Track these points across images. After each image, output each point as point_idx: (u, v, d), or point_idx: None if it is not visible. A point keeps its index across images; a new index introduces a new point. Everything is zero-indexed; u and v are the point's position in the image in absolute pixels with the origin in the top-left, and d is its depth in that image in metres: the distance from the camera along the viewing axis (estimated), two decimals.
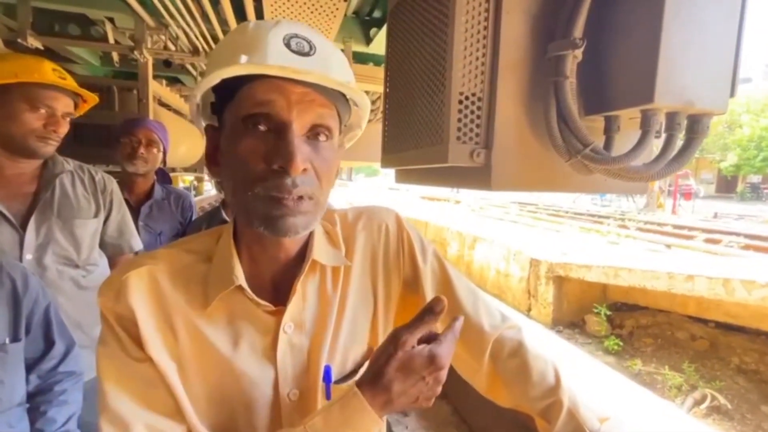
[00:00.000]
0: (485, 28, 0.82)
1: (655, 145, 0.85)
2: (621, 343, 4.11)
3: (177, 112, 3.00)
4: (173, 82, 3.41)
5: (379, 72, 2.64)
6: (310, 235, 0.55)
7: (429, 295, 0.61)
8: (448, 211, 12.17)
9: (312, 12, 1.39)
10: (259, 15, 1.53)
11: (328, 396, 0.52)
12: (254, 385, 0.50)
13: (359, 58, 2.46)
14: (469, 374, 0.66)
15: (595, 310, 4.50)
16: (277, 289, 0.53)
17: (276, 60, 0.44)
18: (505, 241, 5.79)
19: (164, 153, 1.75)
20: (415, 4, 1.07)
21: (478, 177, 0.87)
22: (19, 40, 1.76)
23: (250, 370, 0.50)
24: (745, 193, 23.03)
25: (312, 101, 0.46)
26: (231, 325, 0.51)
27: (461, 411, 1.23)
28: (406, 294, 0.63)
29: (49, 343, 0.93)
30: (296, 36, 0.46)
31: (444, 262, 0.65)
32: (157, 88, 2.38)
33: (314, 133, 0.47)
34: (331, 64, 0.47)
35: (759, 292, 3.03)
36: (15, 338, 0.83)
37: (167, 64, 2.66)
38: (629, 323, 4.42)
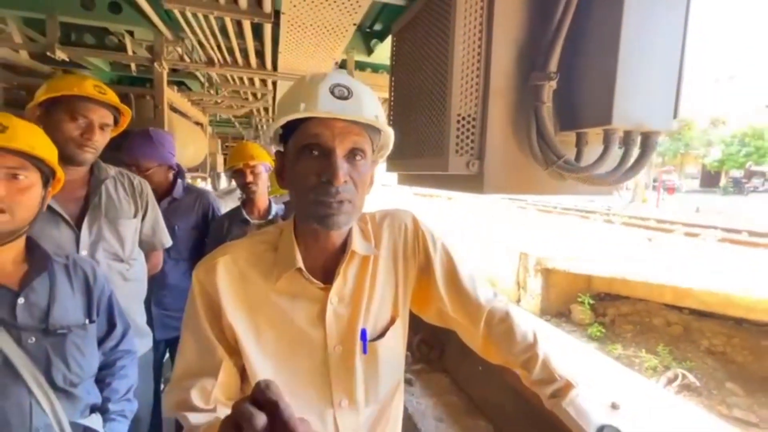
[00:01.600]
0: (479, 60, 0.99)
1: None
2: (603, 330, 4.35)
3: (185, 115, 3.13)
4: (179, 85, 3.52)
5: (378, 78, 2.79)
6: (350, 230, 0.72)
7: (439, 277, 0.80)
8: (441, 207, 12.38)
9: (324, 33, 1.54)
10: (276, 34, 1.68)
11: (364, 350, 0.71)
12: (310, 341, 0.68)
13: (360, 66, 2.61)
14: (469, 338, 0.86)
15: (579, 300, 4.74)
16: (325, 271, 0.71)
17: (324, 106, 0.60)
18: (496, 235, 6.00)
19: (165, 152, 1.83)
20: (417, 32, 1.24)
21: (473, 183, 1.04)
22: (48, 53, 1.88)
23: (307, 330, 0.68)
24: (728, 187, 23.59)
25: (349, 132, 0.62)
26: (293, 297, 0.69)
27: (458, 382, 1.41)
28: (422, 277, 0.81)
29: (111, 326, 1.08)
30: (339, 85, 0.63)
31: (450, 252, 0.83)
32: (169, 94, 2.51)
33: (352, 154, 0.64)
34: (363, 104, 0.63)
35: (729, 283, 3.27)
36: (91, 320, 0.99)
37: (175, 70, 2.78)
38: (611, 312, 4.67)
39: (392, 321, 0.76)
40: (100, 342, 1.05)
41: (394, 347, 0.77)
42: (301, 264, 0.68)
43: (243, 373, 0.69)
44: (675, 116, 0.96)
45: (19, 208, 0.85)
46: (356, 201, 0.65)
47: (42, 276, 0.91)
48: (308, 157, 0.62)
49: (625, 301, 4.67)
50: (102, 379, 1.05)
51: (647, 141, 0.97)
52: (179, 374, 0.68)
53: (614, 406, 1.20)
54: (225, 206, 2.24)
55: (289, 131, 0.65)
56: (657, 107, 0.93)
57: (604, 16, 0.91)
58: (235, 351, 0.67)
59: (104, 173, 1.31)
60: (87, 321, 0.97)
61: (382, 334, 0.74)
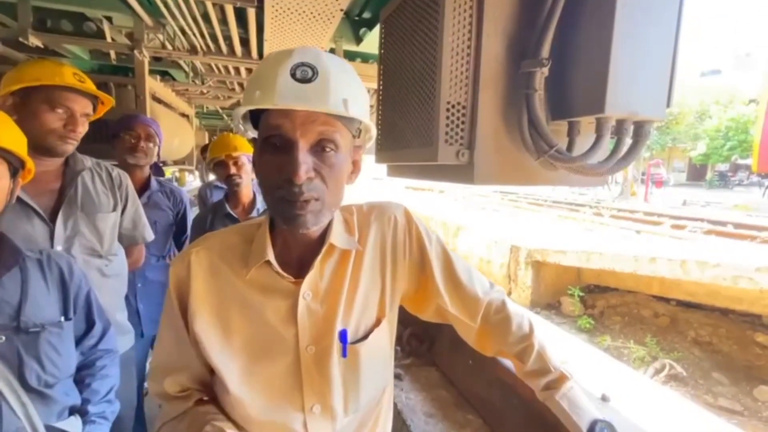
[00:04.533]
0: (468, 47, 0.96)
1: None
2: (592, 322, 4.41)
3: (169, 106, 3.04)
4: (162, 75, 3.43)
5: (368, 69, 2.75)
6: (330, 222, 0.67)
7: (437, 273, 0.76)
8: (433, 201, 12.40)
9: (310, 19, 1.49)
10: (260, 19, 1.62)
11: (344, 353, 0.65)
12: (281, 338, 0.64)
13: (349, 56, 2.56)
14: (465, 332, 0.82)
15: (569, 292, 4.79)
16: (301, 266, 0.66)
17: (281, 94, 0.53)
18: (487, 228, 6.03)
19: (159, 147, 1.85)
20: (406, 18, 1.20)
21: (463, 173, 1.02)
22: (21, 39, 1.80)
23: (278, 327, 0.64)
24: (714, 181, 24.01)
25: (314, 121, 0.55)
26: (263, 290, 0.65)
27: (448, 376, 1.40)
28: (418, 274, 0.76)
29: (90, 323, 1.04)
30: (303, 65, 0.54)
31: (445, 247, 0.79)
32: (152, 84, 2.43)
33: (321, 146, 0.57)
34: (329, 88, 0.54)
35: (711, 271, 3.34)
36: (67, 317, 0.95)
37: (158, 59, 2.70)
38: (600, 303, 4.74)
39: (377, 322, 0.71)
40: (78, 341, 1.01)
41: (378, 351, 0.72)
42: (270, 257, 0.63)
43: None
44: (668, 105, 0.95)
45: None
46: (326, 198, 0.59)
47: (12, 272, 0.87)
48: (271, 151, 0.57)
49: (614, 293, 4.73)
50: (81, 380, 1.01)
51: (640, 130, 0.96)
52: (156, 365, 0.71)
53: (604, 398, 1.20)
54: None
55: (257, 120, 0.60)
56: (650, 96, 0.92)
57: (597, 1, 0.89)
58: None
59: (80, 164, 1.26)
60: (63, 318, 0.93)
61: (365, 337, 0.68)
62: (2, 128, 0.84)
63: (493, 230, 6.01)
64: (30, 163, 0.91)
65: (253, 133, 0.65)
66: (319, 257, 0.65)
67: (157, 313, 1.78)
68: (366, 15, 2.20)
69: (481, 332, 0.81)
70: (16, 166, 0.89)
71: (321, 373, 0.65)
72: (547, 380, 0.77)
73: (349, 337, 0.66)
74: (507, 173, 1.02)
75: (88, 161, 1.30)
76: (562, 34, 0.94)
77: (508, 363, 1.21)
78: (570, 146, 1.01)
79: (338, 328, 0.66)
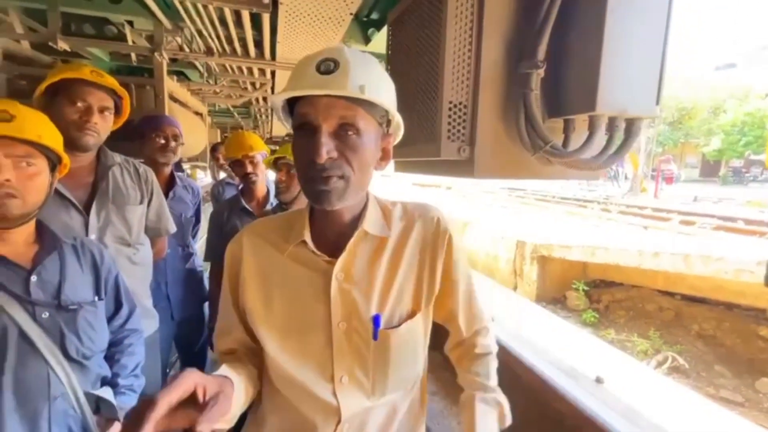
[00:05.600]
0: (469, 50, 1.02)
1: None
2: (597, 316, 4.43)
3: (184, 105, 3.14)
4: (178, 75, 3.53)
5: None
6: (364, 209, 0.72)
7: (461, 280, 0.80)
8: (440, 197, 12.41)
9: (321, 22, 1.56)
10: (274, 23, 1.69)
11: (375, 336, 0.69)
12: (315, 312, 0.70)
13: None
14: (452, 339, 0.88)
15: (574, 286, 4.81)
16: (336, 248, 0.70)
17: (305, 83, 0.60)
18: (494, 224, 6.05)
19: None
20: (411, 21, 1.26)
21: (464, 168, 1.08)
22: (50, 44, 1.90)
23: (313, 303, 0.70)
24: (728, 177, 23.46)
25: (334, 107, 0.60)
26: (301, 267, 0.71)
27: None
28: (445, 274, 0.78)
29: (118, 305, 1.13)
30: (326, 60, 0.60)
31: (467, 263, 0.82)
32: (169, 84, 2.52)
33: (343, 130, 0.61)
34: (348, 77, 0.59)
35: (714, 265, 3.34)
36: (99, 297, 1.03)
37: (174, 60, 2.79)
38: (605, 298, 4.74)
39: (412, 314, 0.73)
40: (108, 321, 1.09)
41: (410, 342, 0.74)
42: (306, 237, 0.70)
43: None
44: (657, 103, 1.00)
45: (29, 193, 0.89)
46: (351, 177, 0.63)
47: (52, 255, 0.96)
48: (301, 137, 0.63)
49: (620, 288, 4.74)
50: (111, 356, 1.10)
51: (631, 127, 1.01)
52: (216, 329, 0.80)
53: (598, 380, 1.26)
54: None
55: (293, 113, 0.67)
56: (640, 94, 0.97)
57: (589, 5, 0.94)
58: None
59: (110, 160, 1.34)
60: (96, 298, 1.01)
61: (398, 325, 0.71)
62: (43, 127, 0.93)
63: (499, 226, 6.03)
64: (66, 159, 1.00)
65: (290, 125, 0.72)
66: (352, 241, 0.70)
67: (183, 298, 1.89)
68: (374, 16, 2.25)
69: (462, 347, 0.86)
70: (54, 162, 0.98)
71: (351, 348, 0.70)
72: (481, 394, 0.80)
73: (382, 323, 0.70)
74: (505, 168, 1.08)
75: (117, 157, 1.38)
76: (557, 36, 0.99)
77: (511, 348, 1.27)
78: (566, 142, 1.06)
79: (372, 311, 0.70)
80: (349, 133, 0.62)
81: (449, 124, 1.03)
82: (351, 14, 1.49)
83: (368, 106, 0.63)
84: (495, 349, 0.87)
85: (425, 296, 0.75)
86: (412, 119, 1.24)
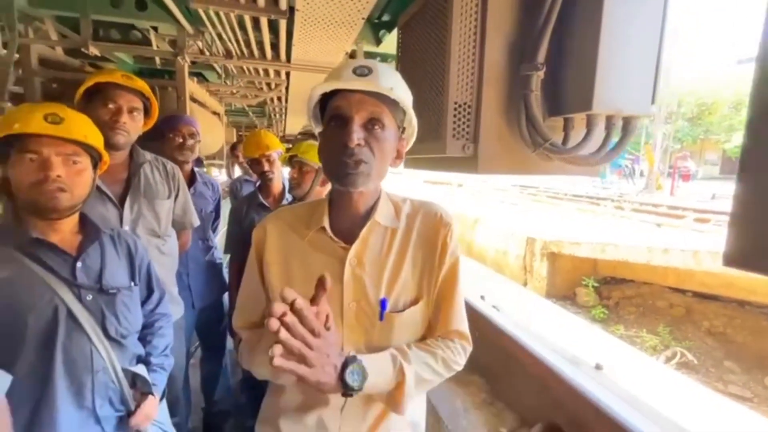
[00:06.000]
0: (473, 53, 1.08)
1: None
2: (606, 312, 4.42)
3: (203, 105, 3.26)
4: (196, 76, 3.66)
5: None
6: (377, 202, 0.81)
7: (442, 275, 0.81)
8: (451, 194, 12.43)
9: (335, 26, 1.64)
10: (290, 28, 1.78)
11: (381, 317, 0.77)
12: (329, 292, 0.75)
13: (369, 56, 2.69)
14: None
15: (584, 283, 4.80)
16: (351, 235, 0.78)
17: (343, 81, 0.70)
18: (504, 221, 6.06)
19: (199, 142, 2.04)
20: (420, 25, 1.33)
21: (468, 164, 1.14)
22: (82, 49, 2.03)
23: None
24: None
25: (365, 103, 0.71)
26: (319, 252, 0.80)
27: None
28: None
29: (150, 290, 1.23)
30: (362, 66, 0.72)
31: (459, 263, 0.85)
32: (190, 86, 2.64)
33: (371, 124, 0.72)
34: (379, 80, 0.70)
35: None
36: (135, 283, 1.13)
37: (194, 62, 2.90)
38: (615, 294, 4.73)
39: (415, 301, 0.80)
40: (141, 305, 1.19)
41: (411, 326, 0.80)
42: (326, 224, 0.78)
43: None
44: (653, 102, 1.04)
45: (77, 187, 0.99)
46: (374, 164, 0.73)
47: (94, 244, 1.06)
48: (333, 127, 0.73)
49: (630, 285, 4.71)
50: (143, 338, 1.19)
51: (628, 125, 1.06)
52: (238, 305, 0.89)
53: (598, 367, 1.31)
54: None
55: (323, 109, 0.76)
56: (635, 94, 1.01)
57: (586, 10, 0.99)
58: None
59: (142, 158, 1.45)
60: (131, 284, 1.11)
61: (402, 310, 0.78)
62: (87, 128, 1.03)
63: (510, 223, 6.04)
64: (106, 156, 1.10)
65: (318, 127, 0.81)
66: (364, 229, 0.78)
67: (203, 288, 2.00)
68: (385, 18, 2.32)
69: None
70: (96, 159, 1.08)
71: (359, 326, 0.77)
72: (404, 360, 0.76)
73: (389, 307, 0.77)
74: (507, 164, 1.14)
75: (147, 155, 1.49)
76: (557, 39, 1.04)
77: (512, 332, 1.33)
78: (565, 140, 1.12)
79: (381, 294, 0.77)
80: (376, 126, 0.72)
81: (454, 122, 1.10)
82: (363, 18, 1.56)
83: (392, 107, 0.74)
84: (449, 361, 0.81)
85: (428, 284, 0.82)
86: (420, 118, 1.30)
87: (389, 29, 2.31)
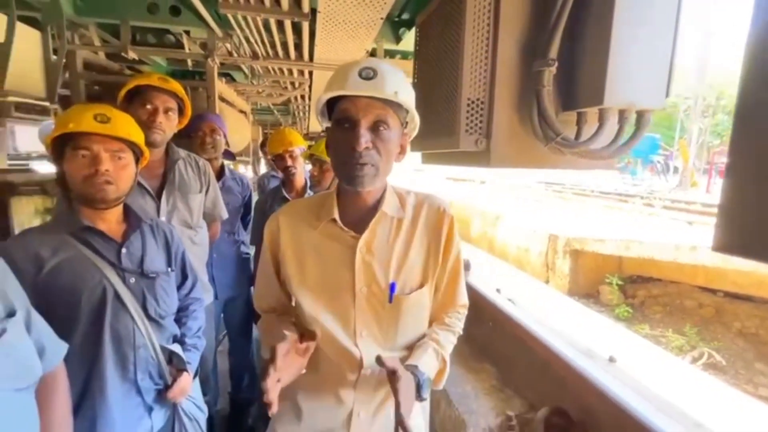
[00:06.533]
0: (486, 51, 1.12)
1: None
2: (631, 311, 4.31)
3: (231, 104, 3.40)
4: (225, 77, 3.81)
5: (406, 65, 2.91)
6: (383, 195, 0.85)
7: (449, 262, 0.90)
8: (474, 191, 12.31)
9: (355, 27, 1.69)
10: (312, 29, 1.85)
11: (390, 300, 0.84)
12: (341, 277, 0.84)
13: (390, 54, 2.74)
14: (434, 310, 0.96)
15: (607, 281, 4.69)
16: (360, 225, 0.84)
17: (350, 85, 0.73)
18: (527, 218, 5.98)
19: (225, 137, 2.13)
20: (436, 25, 1.36)
21: (481, 158, 1.18)
22: (122, 53, 2.18)
23: (340, 270, 0.84)
24: None
25: (371, 106, 0.74)
26: (331, 240, 0.85)
27: (469, 335, 1.57)
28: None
29: (184, 276, 1.33)
30: (367, 68, 0.74)
31: (460, 248, 0.93)
32: (219, 86, 2.77)
33: (376, 126, 0.75)
34: (385, 83, 0.73)
35: None
36: (171, 269, 1.24)
37: (223, 64, 3.04)
38: (641, 293, 4.59)
39: (420, 286, 0.87)
40: (176, 289, 1.30)
41: (417, 307, 0.88)
42: (336, 216, 0.84)
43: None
44: (667, 95, 1.04)
45: (122, 180, 1.09)
46: (380, 165, 0.77)
47: (136, 232, 1.16)
48: (341, 129, 0.77)
49: (657, 284, 4.56)
50: (179, 319, 1.29)
51: (641, 119, 1.07)
52: (255, 290, 0.99)
53: (611, 359, 1.32)
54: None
55: (331, 110, 0.81)
56: (648, 87, 1.02)
57: (598, 4, 1.00)
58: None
59: (176, 155, 1.56)
60: (168, 269, 1.21)
61: (408, 293, 0.85)
62: (131, 127, 1.13)
63: (532, 219, 5.96)
64: (147, 152, 1.20)
65: (325, 123, 0.86)
66: (373, 220, 0.84)
67: (227, 279, 2.11)
68: (404, 16, 2.36)
69: (438, 318, 0.96)
70: (138, 155, 1.18)
71: (370, 308, 0.84)
72: (435, 345, 0.89)
73: (397, 290, 0.84)
74: (519, 158, 1.17)
75: (182, 153, 1.60)
76: (569, 35, 1.06)
77: (525, 322, 1.36)
78: (578, 134, 1.13)
79: (389, 279, 0.84)
80: (381, 128, 0.76)
81: (467, 118, 1.14)
82: (381, 18, 1.61)
83: (396, 107, 0.78)
84: (459, 328, 0.97)
85: (432, 271, 0.88)
86: (435, 114, 1.35)
87: (409, 27, 2.35)
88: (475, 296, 1.58)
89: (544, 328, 1.31)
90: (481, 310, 1.50)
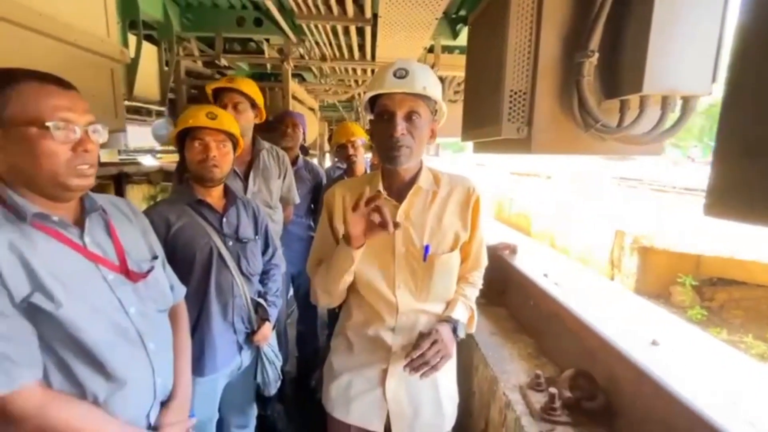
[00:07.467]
0: (529, 46, 1.21)
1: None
2: (705, 313, 3.94)
3: (302, 102, 3.75)
4: (297, 77, 4.19)
5: (462, 59, 2.99)
6: (419, 172, 1.02)
7: (476, 232, 1.07)
8: (537, 187, 11.77)
9: (412, 27, 1.85)
10: (374, 31, 2.04)
11: (425, 259, 1.00)
12: (384, 239, 0.98)
13: (448, 50, 2.85)
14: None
15: (680, 281, 4.32)
16: (401, 197, 1.00)
17: (387, 85, 0.89)
18: (593, 214, 5.67)
19: (303, 132, 2.43)
20: (484, 23, 1.47)
21: (523, 145, 1.28)
22: (216, 61, 2.56)
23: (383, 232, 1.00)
24: None
25: (405, 100, 0.90)
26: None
27: (513, 313, 1.67)
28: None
29: (266, 245, 1.60)
30: (400, 68, 0.90)
31: (483, 222, 1.09)
32: (292, 86, 3.09)
33: (410, 115, 0.91)
34: (415, 80, 0.88)
35: None
36: (258, 237, 1.52)
37: (296, 66, 3.37)
38: (721, 296, 4.16)
39: (451, 249, 1.02)
40: (261, 254, 1.57)
41: (447, 267, 1.03)
42: (381, 188, 1.01)
43: None
44: (714, 80, 1.06)
45: (225, 164, 1.36)
46: (414, 147, 0.93)
47: (233, 206, 1.44)
48: (381, 121, 0.94)
49: (740, 286, 4.09)
50: (262, 281, 1.56)
51: (685, 105, 1.09)
52: (312, 249, 1.14)
53: (654, 343, 1.35)
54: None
55: (373, 105, 0.98)
56: (692, 73, 1.04)
57: None
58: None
59: (260, 145, 1.85)
60: (256, 237, 1.49)
61: (441, 254, 1.00)
62: (231, 122, 1.40)
63: (599, 215, 5.63)
64: (242, 142, 1.48)
65: (369, 116, 1.03)
66: (410, 192, 1.01)
67: (294, 256, 2.40)
68: (461, 13, 2.46)
69: (463, 277, 1.13)
70: (235, 145, 1.46)
71: (407, 266, 1.00)
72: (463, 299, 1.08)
73: (430, 251, 1.00)
74: (559, 144, 1.25)
75: (265, 144, 1.88)
76: (610, 24, 1.11)
77: (563, 300, 1.43)
78: (621, 120, 1.18)
79: (424, 241, 0.99)
80: (414, 117, 0.92)
81: (510, 108, 1.24)
82: (436, 19, 1.74)
83: (426, 99, 0.93)
84: (480, 284, 1.15)
85: (462, 237, 1.03)
86: (482, 105, 1.46)
87: (465, 23, 2.45)
88: (519, 279, 1.67)
89: (581, 304, 1.37)
90: (524, 290, 1.60)
